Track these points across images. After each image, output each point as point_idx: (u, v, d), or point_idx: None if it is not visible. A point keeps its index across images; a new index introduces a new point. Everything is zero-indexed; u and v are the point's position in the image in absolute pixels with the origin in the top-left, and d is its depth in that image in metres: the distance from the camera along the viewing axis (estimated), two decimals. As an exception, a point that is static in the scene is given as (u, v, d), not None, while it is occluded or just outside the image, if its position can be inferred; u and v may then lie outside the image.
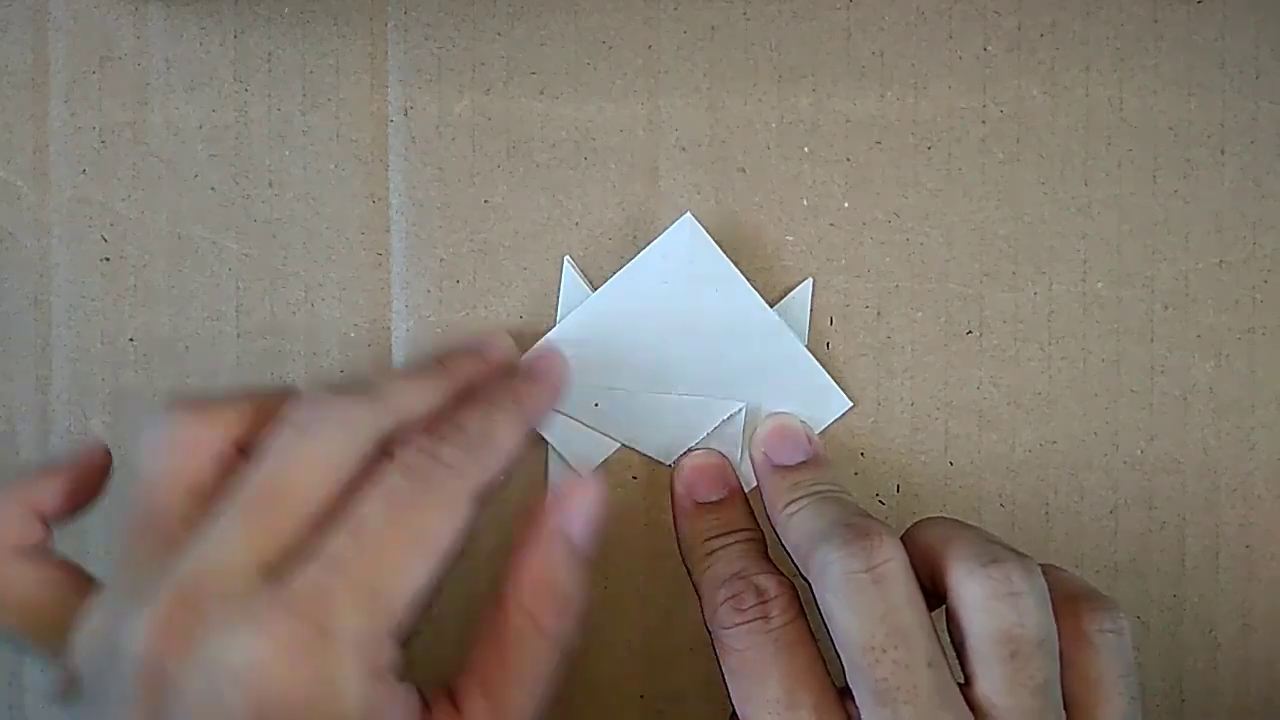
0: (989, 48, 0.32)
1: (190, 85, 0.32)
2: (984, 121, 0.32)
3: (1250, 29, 0.32)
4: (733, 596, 0.27)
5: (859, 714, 0.25)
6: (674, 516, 0.31)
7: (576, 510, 0.27)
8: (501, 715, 0.25)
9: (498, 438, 0.26)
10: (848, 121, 0.32)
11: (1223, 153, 0.32)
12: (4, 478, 0.33)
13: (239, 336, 0.32)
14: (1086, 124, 0.32)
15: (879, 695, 0.24)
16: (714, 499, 0.31)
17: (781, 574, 0.28)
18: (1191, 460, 0.32)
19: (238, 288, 0.32)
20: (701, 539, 0.30)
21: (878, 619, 0.25)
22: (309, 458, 0.24)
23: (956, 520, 0.28)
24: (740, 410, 0.31)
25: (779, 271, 0.32)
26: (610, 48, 0.32)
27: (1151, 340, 0.32)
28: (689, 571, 0.30)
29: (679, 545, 0.31)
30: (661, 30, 0.32)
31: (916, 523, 0.28)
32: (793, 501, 0.29)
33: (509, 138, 0.32)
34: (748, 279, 0.32)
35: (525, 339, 0.32)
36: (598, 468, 0.32)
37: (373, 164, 0.32)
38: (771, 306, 0.32)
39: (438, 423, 0.25)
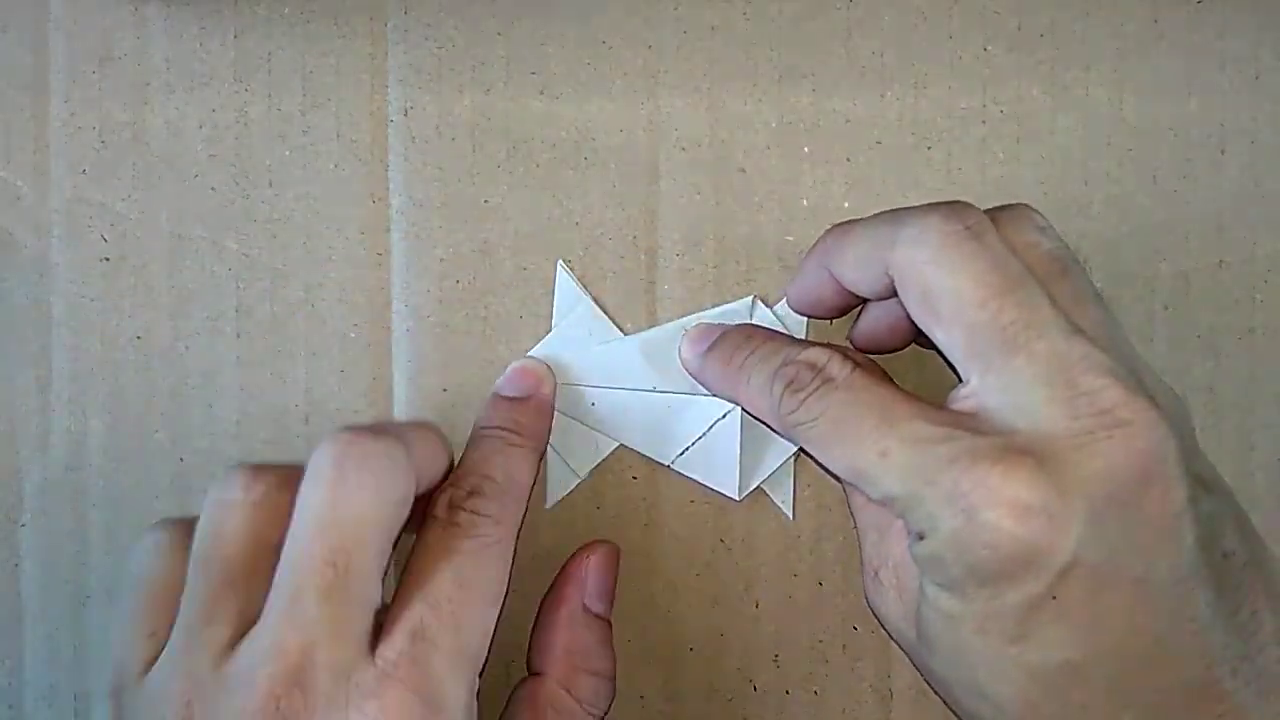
0: (989, 48, 0.32)
1: (190, 85, 0.32)
2: (984, 121, 0.32)
3: (1250, 29, 0.32)
4: (788, 384, 0.26)
5: (974, 391, 0.24)
6: (698, 378, 0.31)
7: (592, 579, 0.30)
8: None
9: (521, 477, 0.28)
10: (848, 121, 0.32)
11: (1223, 153, 0.32)
12: (3, 478, 0.33)
13: (239, 336, 0.32)
14: (1086, 124, 0.32)
15: (1008, 343, 0.23)
16: (714, 339, 0.30)
17: (823, 346, 0.27)
18: (1191, 460, 0.32)
19: (238, 288, 0.32)
20: (728, 363, 0.29)
21: (989, 268, 0.24)
22: (354, 520, 0.24)
23: None
24: (736, 409, 0.31)
25: (779, 271, 0.32)
26: (610, 48, 0.32)
27: (1151, 340, 0.32)
28: (741, 405, 0.29)
29: (713, 391, 0.30)
30: (661, 30, 0.32)
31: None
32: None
33: (509, 138, 0.32)
34: (748, 279, 0.32)
35: (524, 339, 0.32)
36: (596, 467, 0.32)
37: (373, 164, 0.32)
38: (771, 307, 0.32)
39: (461, 474, 0.27)
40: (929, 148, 0.32)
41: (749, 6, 0.32)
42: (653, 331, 0.32)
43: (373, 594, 0.24)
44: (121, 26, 0.32)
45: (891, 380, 0.26)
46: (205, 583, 0.25)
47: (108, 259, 0.32)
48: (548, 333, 0.32)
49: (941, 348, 0.25)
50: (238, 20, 0.32)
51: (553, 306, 0.32)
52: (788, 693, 0.32)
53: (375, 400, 0.32)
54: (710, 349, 0.30)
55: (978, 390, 0.24)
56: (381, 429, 0.26)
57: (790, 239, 0.32)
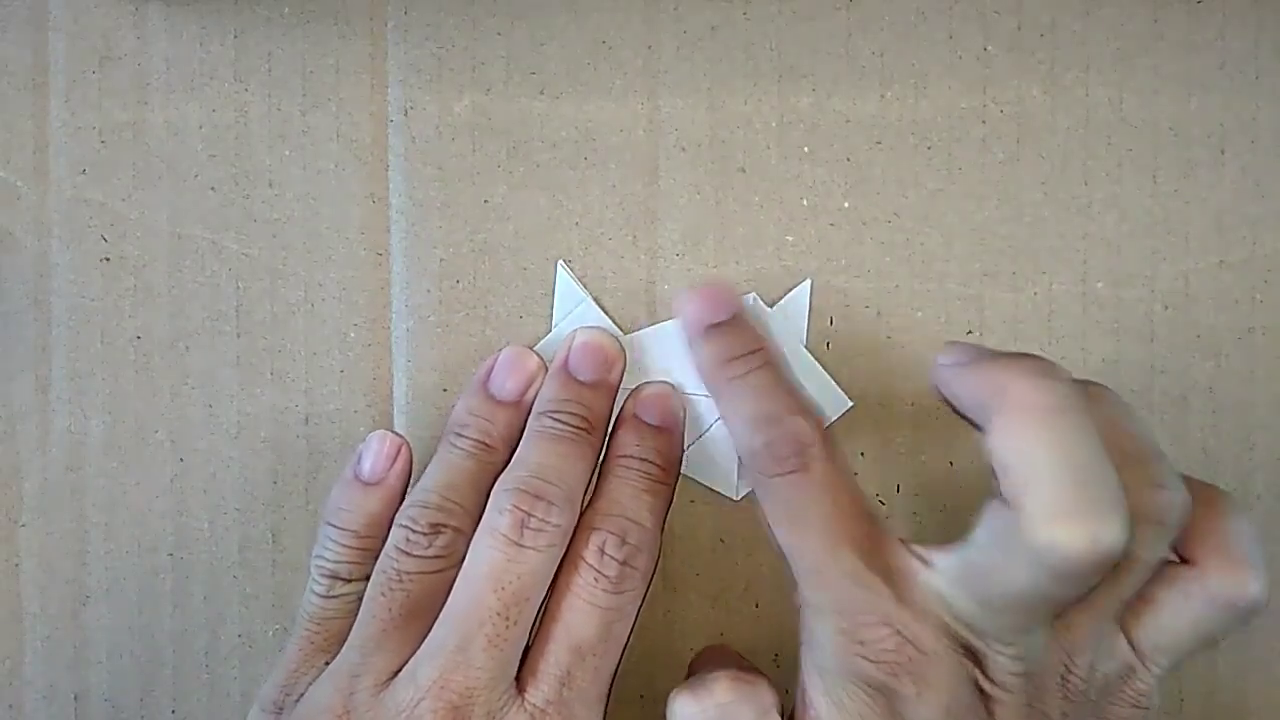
0: (989, 48, 0.32)
1: (190, 85, 0.32)
2: (984, 121, 0.32)
3: (1250, 29, 0.32)
4: (768, 444, 0.26)
5: (949, 566, 0.24)
6: (691, 347, 0.29)
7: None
8: None
9: (662, 520, 0.29)
10: (848, 121, 0.32)
11: (1223, 153, 0.32)
12: (3, 478, 0.33)
13: (239, 336, 0.32)
14: (1086, 124, 0.32)
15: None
16: (722, 319, 0.29)
17: (807, 408, 0.27)
18: (1191, 460, 0.32)
19: (238, 288, 0.32)
20: (723, 364, 0.28)
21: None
22: (529, 576, 0.27)
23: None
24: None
25: (779, 271, 0.32)
26: (610, 48, 0.32)
27: (1151, 340, 0.32)
28: (717, 404, 0.29)
29: (697, 369, 0.29)
30: (661, 30, 0.32)
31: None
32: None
33: (509, 138, 0.32)
34: (748, 279, 0.32)
35: (524, 340, 0.32)
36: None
37: (373, 164, 0.32)
38: (771, 306, 0.32)
39: (608, 512, 0.28)
40: (929, 148, 0.32)
41: (749, 6, 0.32)
42: (652, 330, 0.32)
43: (525, 638, 0.27)
44: (121, 26, 0.32)
45: (856, 483, 0.26)
46: (383, 615, 0.27)
47: (108, 259, 0.32)
48: (548, 333, 0.32)
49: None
50: (238, 20, 0.32)
51: (553, 306, 0.32)
52: (787, 692, 0.32)
53: (375, 400, 0.32)
54: (713, 332, 0.29)
55: (949, 567, 0.24)
56: (555, 490, 0.27)
57: (790, 239, 0.32)
